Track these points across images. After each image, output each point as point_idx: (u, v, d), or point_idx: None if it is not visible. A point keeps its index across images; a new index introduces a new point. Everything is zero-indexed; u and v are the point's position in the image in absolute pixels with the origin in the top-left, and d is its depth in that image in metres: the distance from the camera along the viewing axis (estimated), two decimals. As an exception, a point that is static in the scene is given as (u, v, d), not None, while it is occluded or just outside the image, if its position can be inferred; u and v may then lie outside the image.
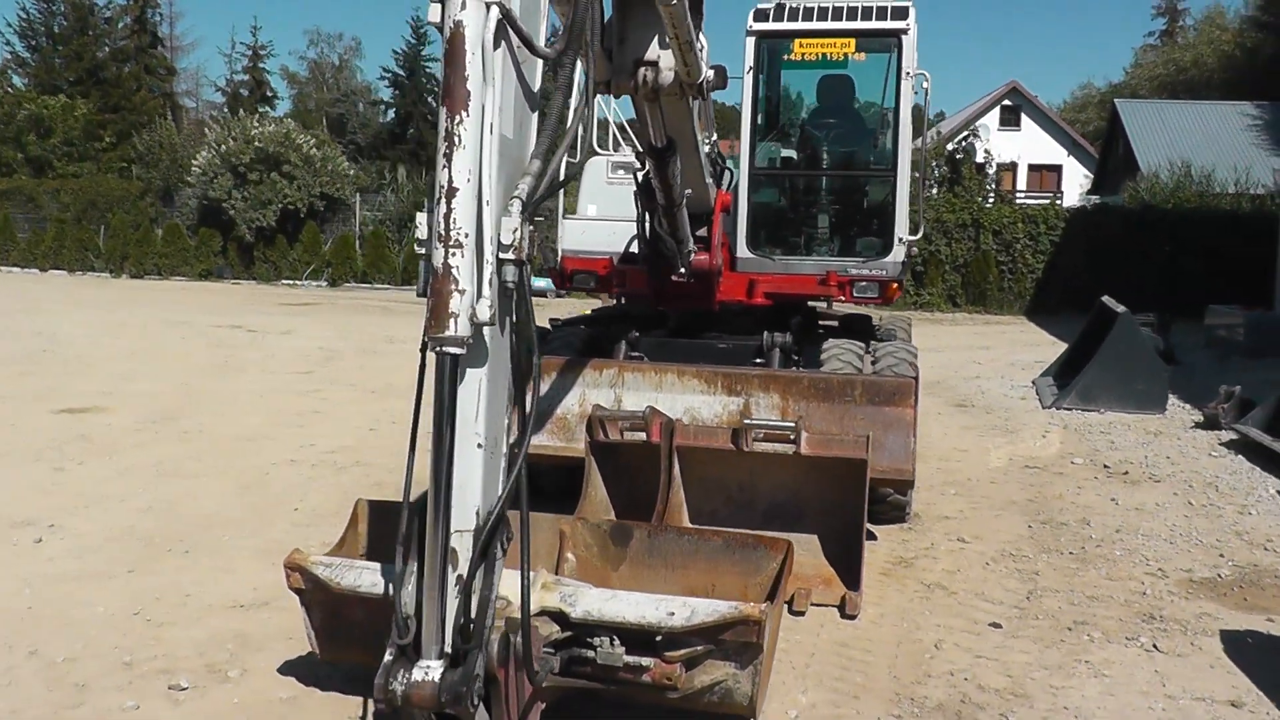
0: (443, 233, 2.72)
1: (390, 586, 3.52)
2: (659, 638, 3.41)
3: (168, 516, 6.56)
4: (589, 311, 8.77)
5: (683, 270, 6.90)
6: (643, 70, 4.51)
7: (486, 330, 2.83)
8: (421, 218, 2.90)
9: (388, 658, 2.86)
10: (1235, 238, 23.37)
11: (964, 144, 27.91)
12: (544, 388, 6.68)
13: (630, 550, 4.16)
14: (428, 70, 60.12)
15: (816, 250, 7.65)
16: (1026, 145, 47.01)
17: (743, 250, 7.65)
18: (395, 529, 4.34)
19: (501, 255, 2.82)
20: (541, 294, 28.68)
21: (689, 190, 6.25)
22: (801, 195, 7.82)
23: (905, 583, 5.69)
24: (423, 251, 2.89)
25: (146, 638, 4.66)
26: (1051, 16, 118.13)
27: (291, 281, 28.81)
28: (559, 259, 7.90)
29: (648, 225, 6.58)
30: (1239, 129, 34.69)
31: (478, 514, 2.92)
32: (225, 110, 52.15)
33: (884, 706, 4.13)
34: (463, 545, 2.89)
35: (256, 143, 28.51)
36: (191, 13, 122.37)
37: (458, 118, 2.72)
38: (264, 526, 6.43)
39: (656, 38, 4.47)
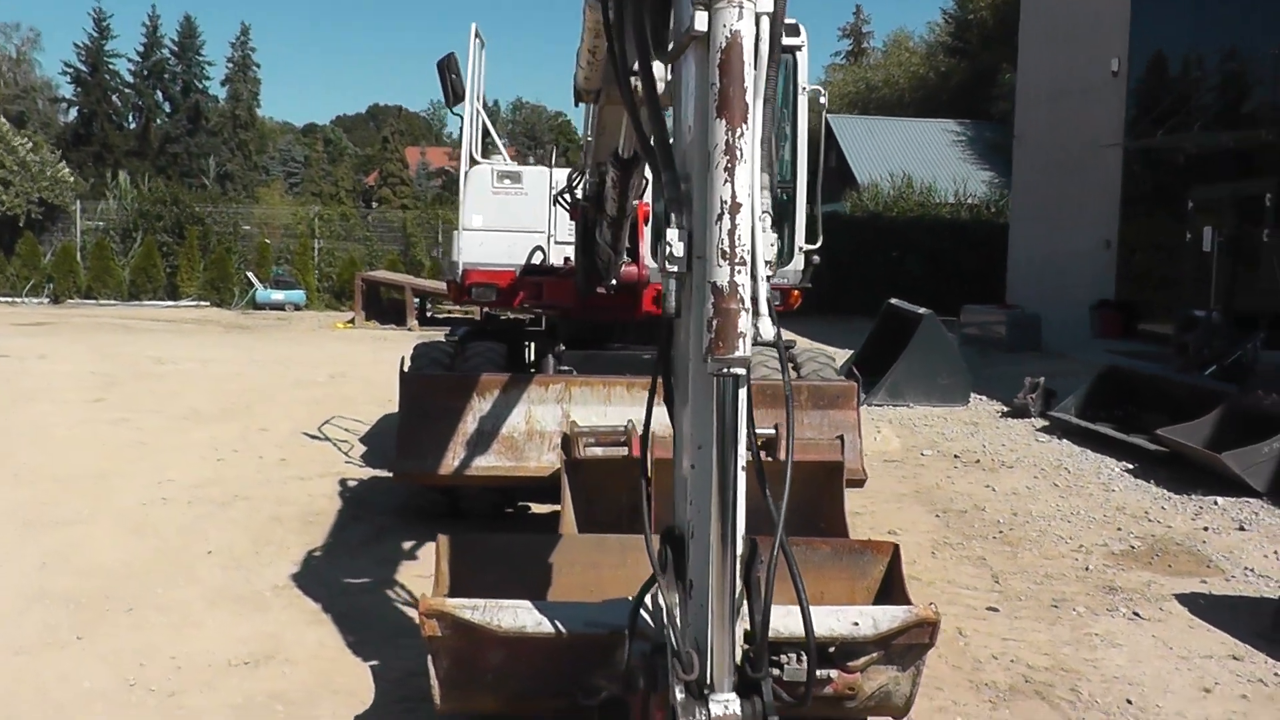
0: (727, 249, 2.61)
1: (560, 624, 3.35)
2: (832, 649, 3.43)
3: (73, 572, 5.77)
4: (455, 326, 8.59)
5: (613, 282, 6.86)
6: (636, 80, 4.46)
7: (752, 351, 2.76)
8: (673, 234, 2.78)
9: (680, 696, 2.72)
10: (961, 243, 25.82)
11: None
12: (486, 406, 6.47)
13: (738, 566, 4.13)
14: (110, 66, 55.47)
15: None
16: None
17: (647, 260, 7.67)
18: (479, 562, 4.14)
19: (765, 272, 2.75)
20: (281, 307, 27.29)
21: (636, 200, 6.23)
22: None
23: (879, 577, 5.95)
24: (674, 269, 2.78)
25: (170, 711, 4.11)
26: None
27: (11, 299, 25.71)
28: (459, 271, 7.61)
29: (584, 237, 6.49)
30: (944, 144, 38.21)
31: (742, 539, 2.85)
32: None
33: (970, 694, 4.35)
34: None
35: (-36, 142, 25.31)
36: None
37: (739, 130, 2.62)
38: (192, 574, 5.79)
39: None
